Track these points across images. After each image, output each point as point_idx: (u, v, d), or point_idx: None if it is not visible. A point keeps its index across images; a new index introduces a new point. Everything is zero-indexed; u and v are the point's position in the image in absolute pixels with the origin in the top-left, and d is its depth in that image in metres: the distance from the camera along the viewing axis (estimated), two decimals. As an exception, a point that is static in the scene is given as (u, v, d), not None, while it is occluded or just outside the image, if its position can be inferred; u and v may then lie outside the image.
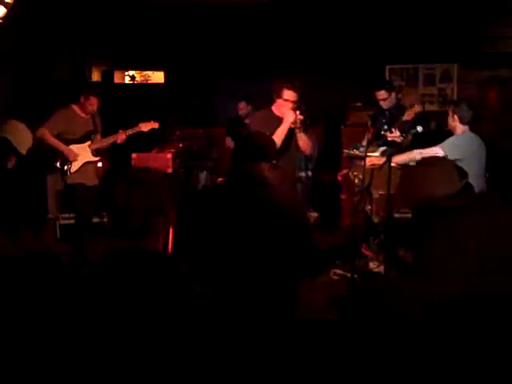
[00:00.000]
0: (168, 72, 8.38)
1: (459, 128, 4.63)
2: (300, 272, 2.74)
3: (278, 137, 4.22)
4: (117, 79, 8.87)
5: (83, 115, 5.37)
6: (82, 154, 5.38)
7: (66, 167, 5.33)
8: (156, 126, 5.60)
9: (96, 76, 8.66)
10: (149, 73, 9.32)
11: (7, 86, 6.34)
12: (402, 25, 7.33)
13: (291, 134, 4.41)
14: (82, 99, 5.32)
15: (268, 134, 4.04)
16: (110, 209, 6.69)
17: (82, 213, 5.44)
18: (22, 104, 6.31)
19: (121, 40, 7.73)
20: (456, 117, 4.64)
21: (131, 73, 9.05)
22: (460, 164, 4.47)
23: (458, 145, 4.53)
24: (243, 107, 7.08)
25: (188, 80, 7.96)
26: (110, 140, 5.48)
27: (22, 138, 4.55)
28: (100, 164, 6.82)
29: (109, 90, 8.16)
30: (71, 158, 5.30)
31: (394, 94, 5.84)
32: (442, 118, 4.94)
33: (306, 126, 4.45)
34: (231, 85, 7.75)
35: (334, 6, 7.30)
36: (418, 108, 5.37)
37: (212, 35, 7.63)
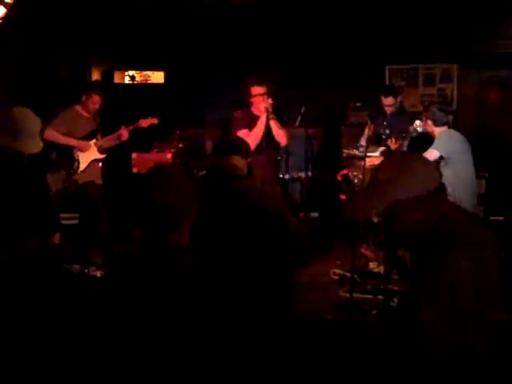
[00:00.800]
0: (168, 72, 8.38)
1: (436, 131, 4.68)
2: (288, 262, 2.76)
3: (258, 130, 4.49)
4: (117, 79, 8.87)
5: (86, 114, 5.39)
6: (90, 151, 5.40)
7: (75, 165, 5.32)
8: (155, 121, 5.65)
9: (96, 76, 8.65)
10: (149, 73, 9.32)
11: (7, 86, 6.33)
12: (401, 25, 7.33)
13: (268, 132, 4.59)
14: (83, 98, 5.32)
15: (249, 130, 4.49)
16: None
17: (93, 212, 5.43)
18: (22, 104, 6.30)
19: (121, 40, 7.73)
20: (429, 121, 4.69)
21: (131, 73, 9.05)
22: (452, 161, 4.52)
23: (446, 141, 4.58)
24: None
25: (188, 80, 7.96)
26: (113, 137, 5.49)
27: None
28: (100, 164, 6.84)
29: (109, 90, 8.17)
30: (84, 149, 5.30)
31: (399, 99, 5.90)
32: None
33: (278, 113, 4.67)
34: (231, 85, 7.75)
35: (333, 6, 7.30)
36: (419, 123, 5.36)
37: (212, 35, 7.63)
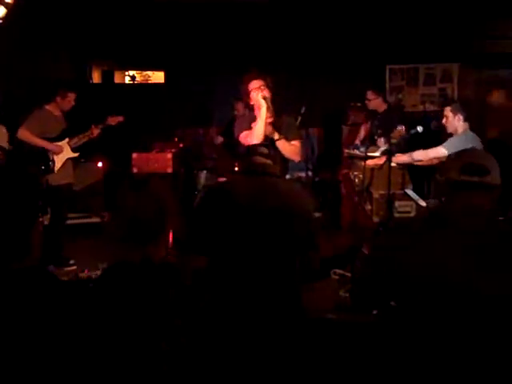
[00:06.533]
0: (168, 72, 8.39)
1: (461, 127, 4.56)
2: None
3: (259, 126, 4.05)
4: (117, 79, 8.88)
5: (57, 113, 5.43)
6: (64, 151, 5.44)
7: (49, 166, 5.35)
8: (121, 119, 5.70)
9: (96, 76, 8.66)
10: (149, 73, 9.33)
11: (7, 87, 6.34)
12: (402, 24, 7.33)
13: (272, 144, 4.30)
14: (58, 99, 5.36)
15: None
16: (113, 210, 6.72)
17: (63, 212, 5.49)
18: (22, 104, 6.32)
19: (121, 40, 7.74)
20: (460, 116, 4.57)
21: (131, 73, 9.06)
22: None
23: (463, 145, 4.49)
24: (240, 108, 7.07)
25: (188, 80, 7.97)
26: (85, 136, 5.56)
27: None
28: (100, 164, 6.85)
29: (109, 90, 8.18)
30: (58, 152, 5.35)
31: (381, 99, 6.03)
32: (443, 118, 4.94)
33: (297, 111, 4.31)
34: (231, 84, 7.75)
35: (334, 5, 7.31)
36: (402, 131, 5.34)
37: (212, 35, 7.63)
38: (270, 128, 4.12)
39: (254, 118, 4.21)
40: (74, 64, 8.03)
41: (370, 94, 6.02)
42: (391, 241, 2.00)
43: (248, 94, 4.22)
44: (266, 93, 4.15)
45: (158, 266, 1.83)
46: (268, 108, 4.09)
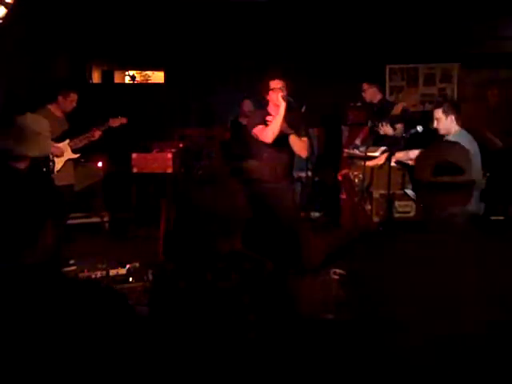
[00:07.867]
0: (168, 72, 8.39)
1: (454, 127, 4.54)
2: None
3: (277, 120, 4.25)
4: (117, 79, 8.88)
5: (59, 114, 5.44)
6: (65, 152, 5.47)
7: (50, 167, 5.36)
8: (124, 121, 5.70)
9: (96, 76, 8.66)
10: (149, 73, 9.34)
11: (7, 87, 6.34)
12: (402, 24, 7.33)
13: (285, 138, 4.45)
14: (60, 99, 5.38)
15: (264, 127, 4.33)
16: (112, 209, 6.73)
17: (64, 213, 5.50)
18: (22, 104, 6.32)
19: (121, 40, 7.74)
20: (452, 116, 4.54)
21: (131, 73, 9.06)
22: None
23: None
24: (248, 105, 7.08)
25: (188, 80, 7.97)
26: (86, 137, 5.57)
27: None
28: (100, 164, 6.85)
29: (109, 90, 8.18)
30: (59, 154, 5.36)
31: (376, 88, 6.15)
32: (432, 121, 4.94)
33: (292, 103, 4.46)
34: (231, 85, 7.76)
35: (333, 5, 7.31)
36: (403, 103, 5.85)
37: (212, 34, 7.63)
38: (284, 124, 4.33)
39: (267, 113, 4.44)
40: (74, 64, 8.03)
41: (364, 85, 6.15)
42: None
43: (267, 90, 4.44)
44: (285, 93, 4.36)
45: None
46: (286, 107, 4.30)
